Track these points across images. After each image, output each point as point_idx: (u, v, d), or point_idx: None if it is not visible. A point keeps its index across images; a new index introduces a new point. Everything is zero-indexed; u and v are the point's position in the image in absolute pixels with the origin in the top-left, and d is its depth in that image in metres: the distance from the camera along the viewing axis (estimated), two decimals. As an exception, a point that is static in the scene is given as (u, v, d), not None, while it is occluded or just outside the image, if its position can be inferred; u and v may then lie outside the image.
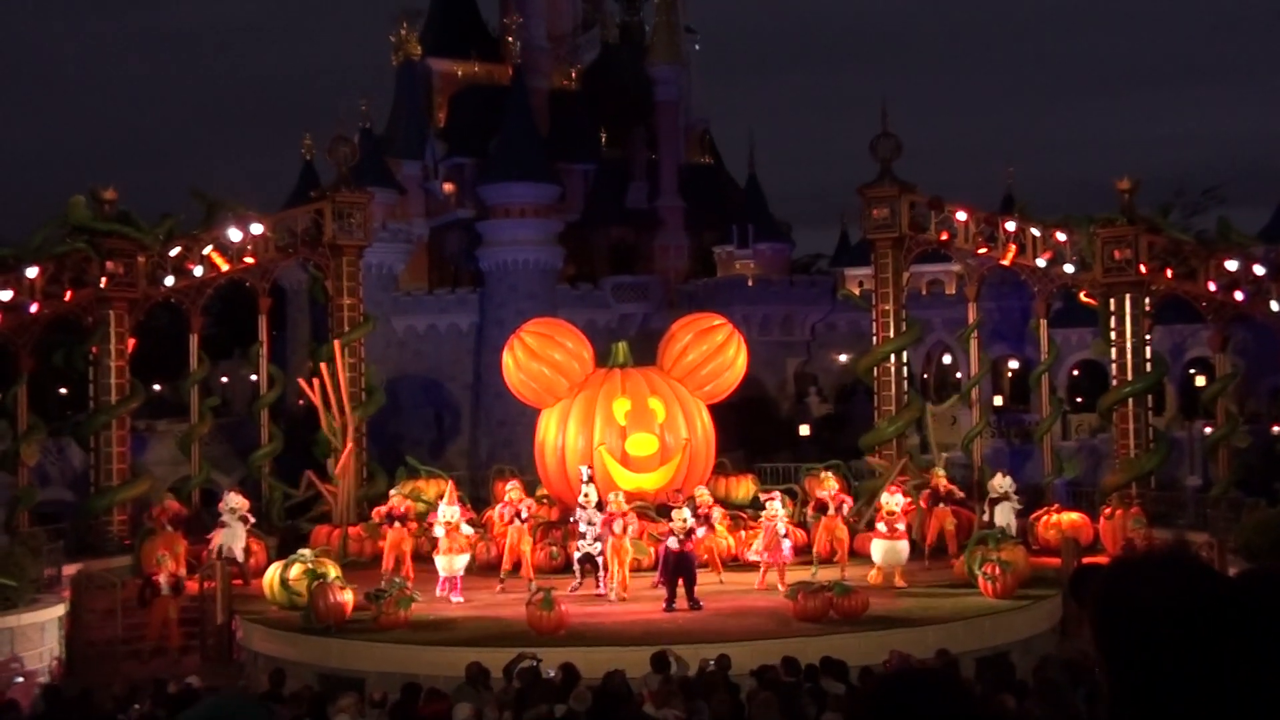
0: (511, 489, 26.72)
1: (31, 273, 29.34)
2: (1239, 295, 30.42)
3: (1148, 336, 31.85)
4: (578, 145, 59.23)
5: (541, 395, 29.71)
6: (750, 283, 56.04)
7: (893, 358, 33.40)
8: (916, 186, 33.57)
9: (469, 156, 57.82)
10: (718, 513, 27.31)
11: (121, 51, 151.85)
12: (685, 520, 22.99)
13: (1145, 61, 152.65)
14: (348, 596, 21.94)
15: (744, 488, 31.23)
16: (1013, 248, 32.49)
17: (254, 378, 35.68)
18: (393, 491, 29.09)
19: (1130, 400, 31.33)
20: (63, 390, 50.00)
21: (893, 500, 24.92)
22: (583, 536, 24.11)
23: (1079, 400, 49.59)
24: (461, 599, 23.70)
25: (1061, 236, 32.00)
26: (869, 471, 32.81)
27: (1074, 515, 29.37)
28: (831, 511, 26.31)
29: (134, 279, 30.78)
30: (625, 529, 24.15)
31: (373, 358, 36.46)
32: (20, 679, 21.89)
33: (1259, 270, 30.64)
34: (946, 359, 56.60)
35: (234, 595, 25.05)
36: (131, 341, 31.15)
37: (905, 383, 33.98)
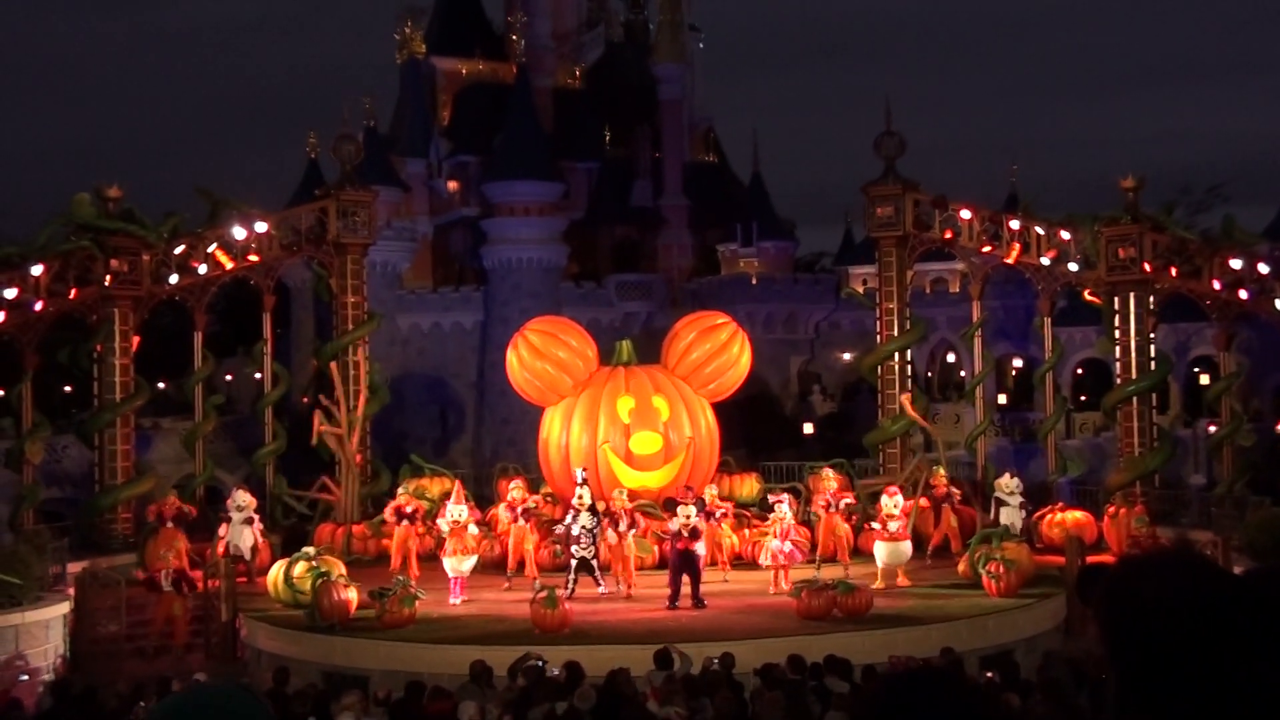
0: (514, 487, 26.72)
1: (36, 270, 29.36)
2: (1243, 293, 30.38)
3: (1152, 335, 31.81)
4: (582, 143, 59.26)
5: (545, 393, 29.72)
6: (754, 281, 56.04)
7: (897, 356, 33.40)
8: (920, 185, 33.56)
9: (473, 155, 57.84)
10: (721, 511, 27.32)
11: (126, 50, 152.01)
12: (689, 517, 22.92)
13: (1150, 59, 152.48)
14: (352, 595, 21.96)
15: (748, 486, 31.28)
16: (1017, 246, 32.46)
17: (258, 376, 35.68)
18: (400, 490, 29.13)
19: (1134, 399, 31.29)
20: (67, 388, 50.08)
21: (892, 501, 24.84)
22: (576, 541, 23.52)
23: (1083, 399, 49.54)
24: (461, 599, 23.61)
25: (1066, 235, 31.96)
26: (875, 470, 32.79)
27: (1078, 514, 29.34)
28: (831, 509, 26.31)
29: (138, 277, 30.80)
30: (630, 527, 24.15)
31: (377, 356, 36.47)
32: (25, 677, 21.90)
33: (1264, 268, 30.59)
34: (950, 357, 56.58)
35: (238, 593, 25.06)
36: (136, 339, 31.16)
37: (910, 381, 33.95)
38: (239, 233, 32.02)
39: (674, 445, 28.58)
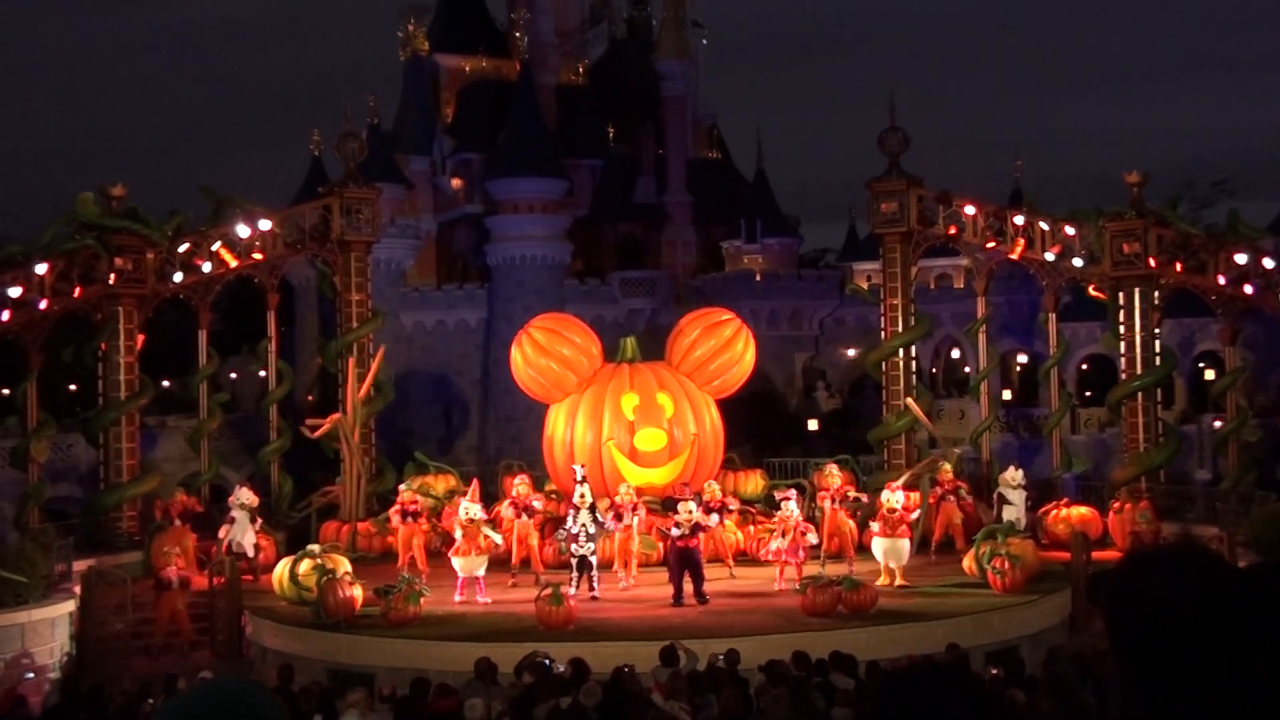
0: (519, 483, 26.72)
1: (40, 269, 29.39)
2: (1249, 288, 30.34)
3: (1157, 330, 31.77)
4: (585, 141, 59.27)
5: (550, 390, 29.71)
6: (758, 277, 56.04)
7: (901, 352, 33.38)
8: (924, 180, 33.52)
9: (477, 152, 57.87)
10: (732, 505, 27.33)
11: (129, 48, 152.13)
12: (690, 514, 22.90)
13: (1154, 54, 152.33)
14: (357, 592, 21.95)
15: (752, 482, 31.24)
16: (1021, 242, 32.42)
17: (263, 373, 35.70)
18: (401, 487, 29.11)
19: (1139, 394, 31.25)
20: (72, 386, 50.18)
21: (893, 498, 24.74)
22: (575, 539, 23.35)
23: (1088, 394, 49.49)
24: (461, 597, 23.49)
25: (1070, 230, 31.91)
26: (880, 466, 32.78)
27: (1083, 509, 29.30)
28: (835, 505, 26.30)
29: (143, 275, 30.82)
30: (634, 522, 24.12)
31: (380, 354, 36.43)
32: (31, 675, 21.94)
33: (1269, 263, 30.55)
34: (955, 353, 56.56)
35: (243, 591, 25.08)
36: (140, 338, 31.18)
37: (914, 377, 33.92)
38: (243, 231, 32.03)
39: (678, 442, 28.56)
